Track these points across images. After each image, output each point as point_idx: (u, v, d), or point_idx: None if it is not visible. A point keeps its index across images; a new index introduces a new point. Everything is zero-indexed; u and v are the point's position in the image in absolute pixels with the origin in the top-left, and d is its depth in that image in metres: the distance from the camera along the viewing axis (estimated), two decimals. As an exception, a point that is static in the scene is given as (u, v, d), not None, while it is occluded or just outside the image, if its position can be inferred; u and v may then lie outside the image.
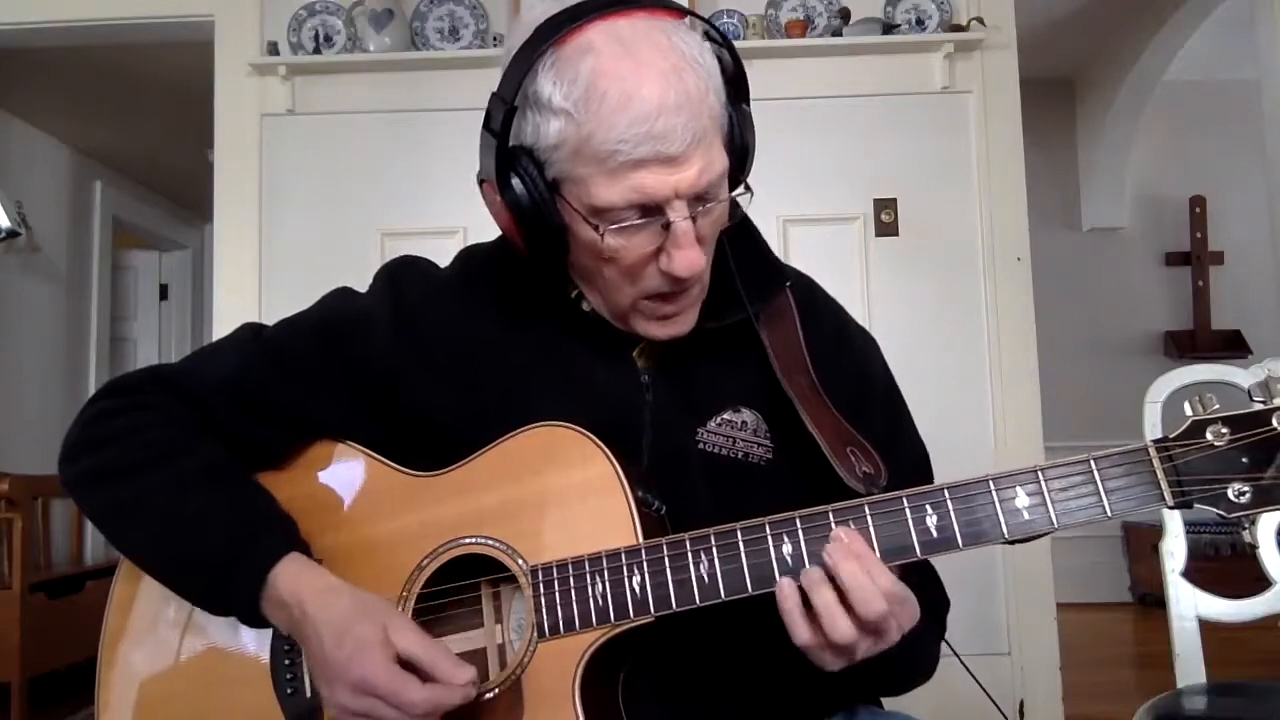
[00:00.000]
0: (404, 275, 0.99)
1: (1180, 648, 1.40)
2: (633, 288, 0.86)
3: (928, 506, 0.76)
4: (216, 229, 2.94)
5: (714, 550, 0.78)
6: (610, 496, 0.81)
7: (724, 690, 0.88)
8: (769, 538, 0.77)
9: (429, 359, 0.92)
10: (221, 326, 2.88)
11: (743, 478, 0.90)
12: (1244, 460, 0.73)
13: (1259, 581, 1.38)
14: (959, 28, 2.88)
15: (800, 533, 0.77)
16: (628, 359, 0.93)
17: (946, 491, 0.77)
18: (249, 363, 0.95)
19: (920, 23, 2.93)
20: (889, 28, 2.90)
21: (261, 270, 2.89)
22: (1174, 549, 1.43)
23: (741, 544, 0.78)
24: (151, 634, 0.92)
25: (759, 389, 0.92)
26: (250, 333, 0.99)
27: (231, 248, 2.91)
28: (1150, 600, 4.43)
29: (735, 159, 0.86)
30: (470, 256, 1.01)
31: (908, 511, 0.77)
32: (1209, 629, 1.39)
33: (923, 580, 0.91)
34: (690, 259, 0.82)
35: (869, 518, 0.77)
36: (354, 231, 2.88)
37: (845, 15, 2.90)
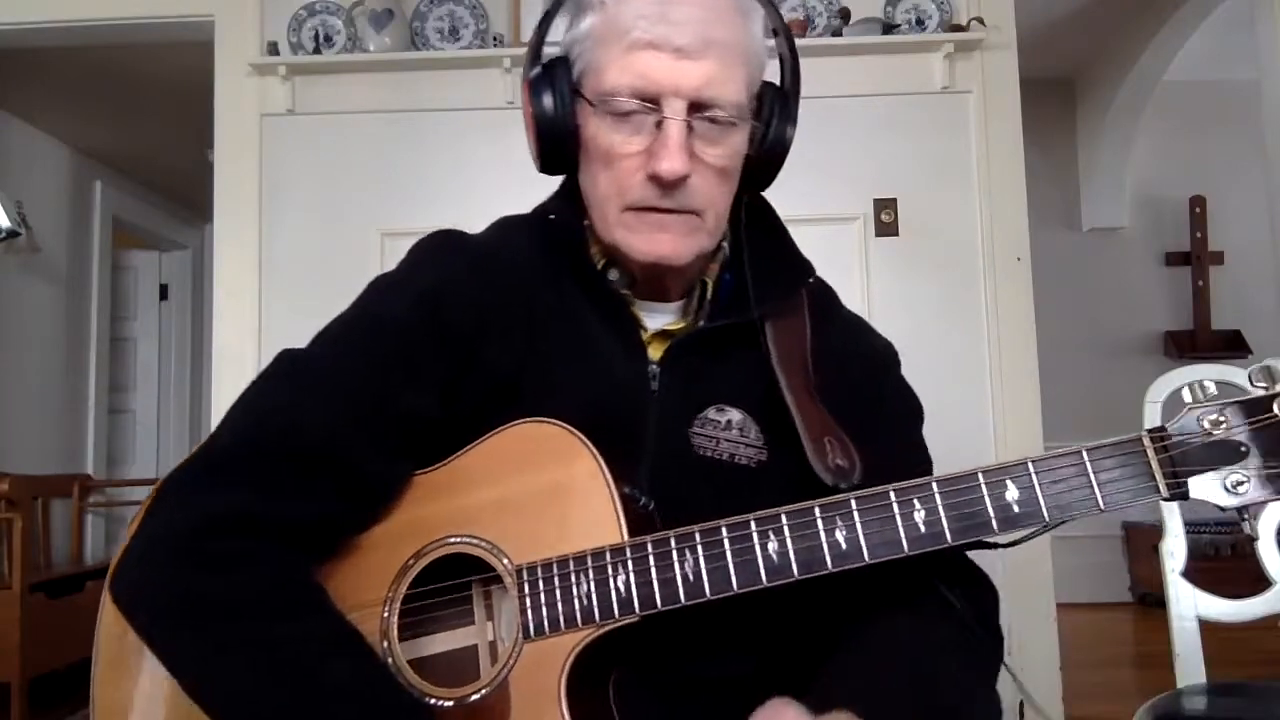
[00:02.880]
0: (457, 241, 0.94)
1: (1180, 648, 1.40)
2: (620, 196, 0.85)
3: (915, 501, 0.75)
4: (216, 229, 2.94)
5: (699, 548, 0.77)
6: (595, 494, 0.80)
7: (716, 694, 0.86)
8: (754, 535, 0.76)
9: (502, 321, 0.88)
10: (221, 326, 2.88)
11: (729, 478, 0.88)
12: (1243, 449, 0.71)
13: (1259, 581, 1.38)
14: (959, 28, 2.88)
15: (786, 529, 0.76)
16: (640, 348, 0.91)
17: (935, 485, 0.75)
18: (351, 391, 0.83)
19: (920, 23, 2.93)
20: (889, 28, 2.90)
21: (261, 270, 2.89)
22: (1174, 549, 1.43)
23: (727, 542, 0.77)
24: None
25: (753, 388, 0.90)
26: (334, 358, 0.87)
27: (231, 248, 2.91)
28: (1150, 600, 4.43)
29: (761, 136, 0.89)
30: (506, 225, 0.98)
31: (895, 506, 0.75)
32: (1209, 629, 1.39)
33: (973, 642, 0.84)
34: (673, 161, 0.81)
35: (855, 513, 0.76)
36: (354, 231, 2.88)
37: (845, 15, 2.90)
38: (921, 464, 0.93)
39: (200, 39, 3.00)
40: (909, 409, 0.98)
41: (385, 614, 0.83)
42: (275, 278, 2.89)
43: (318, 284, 2.86)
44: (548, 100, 0.87)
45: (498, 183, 2.87)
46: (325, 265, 2.87)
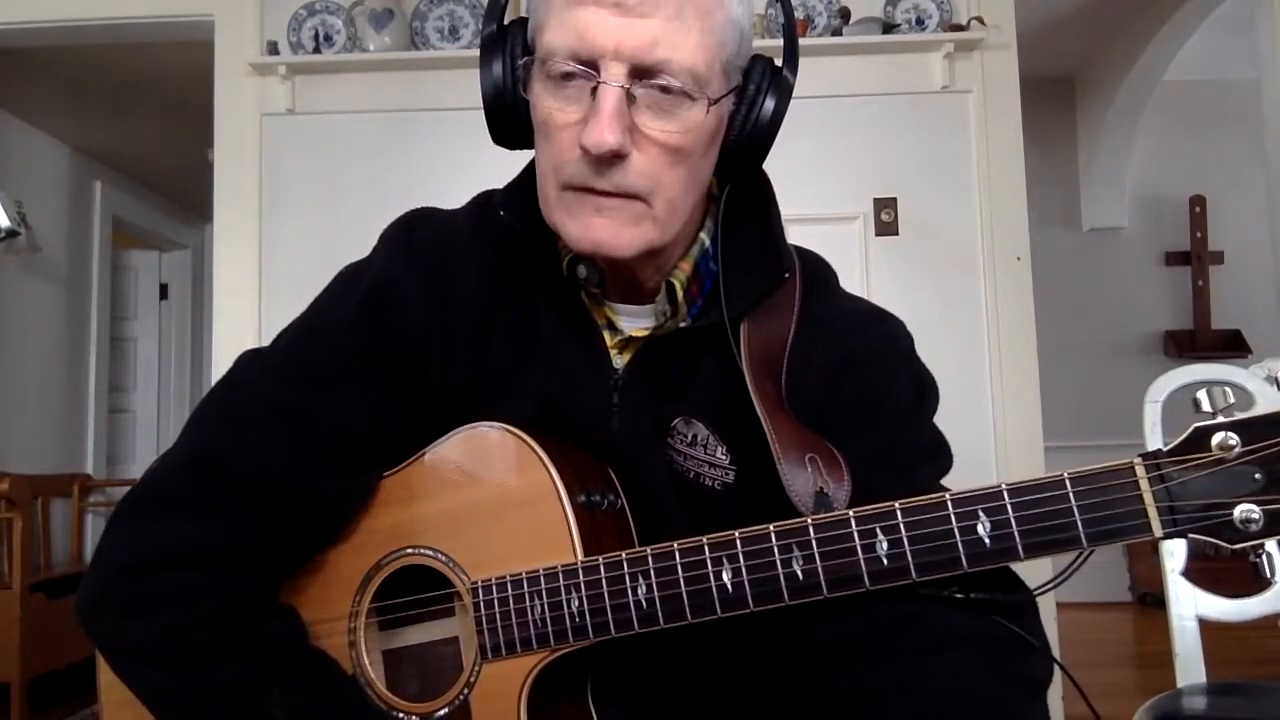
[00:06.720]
0: (419, 238, 0.88)
1: (1180, 648, 1.40)
2: (556, 173, 0.76)
3: (878, 530, 0.69)
4: (216, 229, 2.95)
5: (651, 574, 0.73)
6: (548, 507, 0.77)
7: (702, 682, 0.83)
8: (708, 561, 0.72)
9: (453, 326, 0.84)
10: (221, 326, 2.88)
11: (697, 499, 0.82)
12: (1257, 477, 0.60)
13: (1259, 581, 1.38)
14: (959, 27, 2.88)
15: (741, 557, 0.71)
16: (604, 355, 0.84)
17: (899, 513, 0.68)
18: (284, 405, 0.82)
19: (920, 22, 2.93)
20: (889, 27, 2.90)
21: (261, 270, 2.89)
22: (1174, 548, 1.43)
23: (680, 568, 0.73)
24: None
25: (723, 400, 0.81)
26: (264, 368, 0.86)
27: (231, 248, 2.91)
28: (1150, 600, 4.43)
29: (744, 116, 0.80)
30: (481, 209, 0.91)
31: (856, 536, 0.69)
32: (1209, 629, 1.39)
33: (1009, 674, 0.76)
34: (602, 132, 0.71)
35: (813, 542, 0.70)
36: (354, 231, 2.84)
37: (845, 15, 2.90)
38: (926, 453, 0.85)
39: (200, 39, 3.00)
40: (914, 394, 0.88)
41: (352, 625, 0.83)
42: (275, 278, 2.88)
43: (318, 284, 2.84)
44: (496, 62, 0.80)
45: (498, 183, 2.87)
46: (325, 265, 2.83)
